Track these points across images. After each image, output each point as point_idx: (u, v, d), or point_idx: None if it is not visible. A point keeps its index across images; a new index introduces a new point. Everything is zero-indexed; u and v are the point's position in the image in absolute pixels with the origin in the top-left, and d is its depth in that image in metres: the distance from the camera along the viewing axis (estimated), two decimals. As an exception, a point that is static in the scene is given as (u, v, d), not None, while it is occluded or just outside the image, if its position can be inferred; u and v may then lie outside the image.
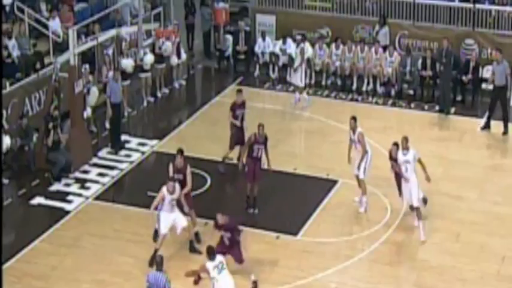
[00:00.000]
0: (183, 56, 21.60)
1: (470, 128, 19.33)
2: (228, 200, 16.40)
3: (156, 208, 14.06)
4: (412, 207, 15.13)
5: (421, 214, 14.99)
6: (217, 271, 12.48)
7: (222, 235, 13.79)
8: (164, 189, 14.05)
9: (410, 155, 14.94)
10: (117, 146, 18.00)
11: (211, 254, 12.59)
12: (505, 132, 18.91)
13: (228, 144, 16.86)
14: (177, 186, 14.11)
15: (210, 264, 12.51)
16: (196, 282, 13.51)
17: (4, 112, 17.21)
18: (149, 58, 20.30)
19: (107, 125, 19.04)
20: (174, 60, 21.19)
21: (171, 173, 14.47)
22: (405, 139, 15.05)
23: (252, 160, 15.63)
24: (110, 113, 18.38)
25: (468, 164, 17.49)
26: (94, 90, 18.61)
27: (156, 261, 12.09)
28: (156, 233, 14.39)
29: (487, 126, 19.17)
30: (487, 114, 19.25)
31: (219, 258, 12.65)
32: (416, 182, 14.93)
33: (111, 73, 18.48)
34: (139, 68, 20.25)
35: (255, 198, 15.79)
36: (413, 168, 14.94)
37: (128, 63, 19.69)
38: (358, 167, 15.58)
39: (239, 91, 17.22)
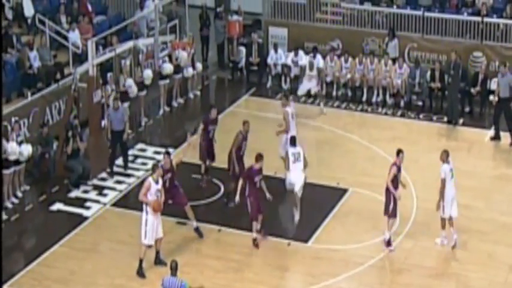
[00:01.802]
0: (198, 66, 21.77)
1: (478, 139, 19.38)
2: (241, 207, 16.49)
3: (144, 197, 13.93)
4: (450, 218, 14.88)
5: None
6: (293, 159, 15.01)
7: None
8: (150, 179, 14.06)
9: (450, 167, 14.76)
10: (111, 170, 17.36)
11: (292, 142, 15.49)
12: None
13: (200, 156, 16.76)
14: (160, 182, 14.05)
15: (290, 149, 14.95)
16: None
17: (26, 121, 17.43)
18: (168, 67, 20.44)
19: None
20: (190, 71, 21.36)
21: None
22: (446, 152, 14.90)
23: (240, 158, 15.86)
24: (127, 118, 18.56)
25: (476, 174, 17.53)
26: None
27: (171, 267, 12.23)
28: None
29: (496, 137, 19.22)
30: (493, 126, 19.32)
31: (298, 148, 15.28)
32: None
33: (111, 101, 17.83)
34: (158, 75, 20.38)
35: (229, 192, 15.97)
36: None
37: (147, 75, 19.90)
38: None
39: (213, 107, 16.96)
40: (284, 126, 16.96)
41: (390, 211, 14.81)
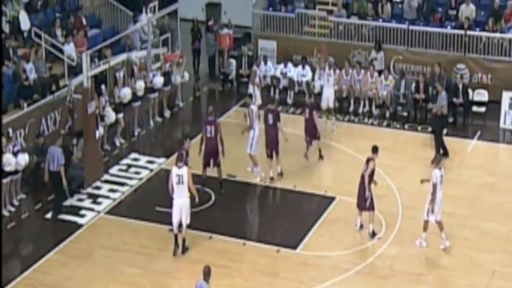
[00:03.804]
0: (186, 76, 21.66)
1: (461, 148, 19.50)
2: (233, 215, 16.58)
3: (172, 187, 14.50)
4: (439, 222, 15.08)
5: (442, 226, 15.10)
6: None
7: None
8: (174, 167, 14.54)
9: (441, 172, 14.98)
10: (57, 211, 16.32)
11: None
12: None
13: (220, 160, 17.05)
14: (185, 168, 14.48)
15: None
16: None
17: (22, 131, 17.46)
18: (158, 81, 20.52)
19: (117, 143, 19.33)
20: (178, 79, 21.36)
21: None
22: (437, 157, 15.24)
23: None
24: (121, 129, 18.68)
25: (459, 183, 17.64)
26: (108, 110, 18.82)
27: (203, 272, 12.18)
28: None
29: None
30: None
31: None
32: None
33: (59, 142, 16.46)
34: (149, 89, 20.47)
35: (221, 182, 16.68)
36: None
37: (140, 86, 19.98)
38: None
39: (186, 138, 16.69)
40: (248, 123, 17.16)
41: (368, 204, 15.19)
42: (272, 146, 17.38)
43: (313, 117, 18.27)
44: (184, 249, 14.92)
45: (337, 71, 21.50)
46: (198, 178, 16.44)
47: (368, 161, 15.32)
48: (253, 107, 17.34)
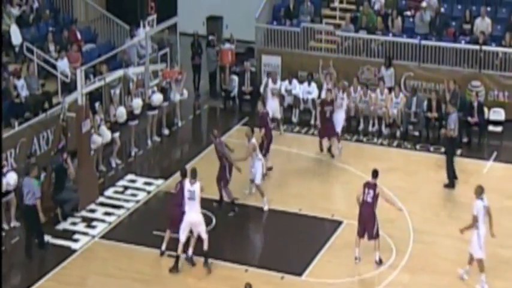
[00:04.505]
0: (185, 93, 21.92)
1: (476, 170, 19.62)
2: (235, 240, 16.79)
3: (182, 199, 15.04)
4: (473, 258, 14.98)
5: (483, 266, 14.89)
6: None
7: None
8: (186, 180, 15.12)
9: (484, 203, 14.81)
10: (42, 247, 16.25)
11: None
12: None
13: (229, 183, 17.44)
14: (197, 184, 15.02)
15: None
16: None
17: (12, 151, 17.66)
18: (157, 98, 20.79)
19: (113, 164, 19.59)
20: (177, 97, 21.64)
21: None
22: (480, 187, 14.93)
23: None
24: (117, 148, 18.92)
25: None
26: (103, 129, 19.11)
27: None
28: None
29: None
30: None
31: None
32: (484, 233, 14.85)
33: (34, 173, 16.10)
34: (147, 106, 20.71)
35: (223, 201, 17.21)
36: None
37: (137, 104, 20.23)
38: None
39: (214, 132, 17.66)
40: (244, 157, 17.48)
41: (375, 232, 15.39)
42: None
43: (332, 115, 19.61)
44: (207, 265, 15.27)
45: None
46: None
47: (370, 186, 15.35)
48: (254, 141, 17.54)
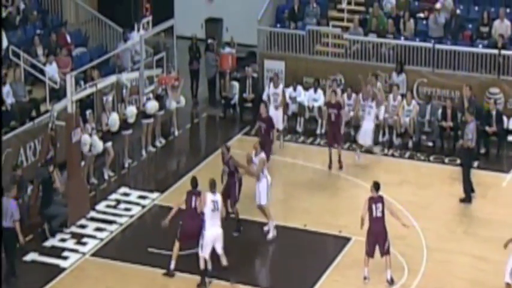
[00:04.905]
0: (182, 100, 21.94)
1: (494, 183, 19.62)
2: (238, 258, 16.73)
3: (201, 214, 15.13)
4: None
5: None
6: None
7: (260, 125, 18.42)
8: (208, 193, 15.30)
9: None
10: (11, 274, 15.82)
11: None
12: None
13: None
14: (218, 194, 15.39)
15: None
16: None
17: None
18: (152, 106, 20.77)
19: (105, 176, 19.56)
20: (173, 105, 21.66)
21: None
22: None
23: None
24: (110, 159, 18.90)
25: (492, 223, 17.71)
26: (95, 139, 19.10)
27: None
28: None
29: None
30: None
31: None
32: None
33: (12, 192, 15.75)
34: (142, 114, 20.70)
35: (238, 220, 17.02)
36: None
37: (131, 112, 20.22)
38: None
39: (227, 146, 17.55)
40: (256, 174, 17.02)
41: (387, 249, 15.35)
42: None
43: (340, 119, 19.61)
44: (231, 280, 15.33)
45: (353, 95, 21.77)
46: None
47: (376, 200, 15.27)
48: (263, 155, 17.37)
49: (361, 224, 15.33)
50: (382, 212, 15.32)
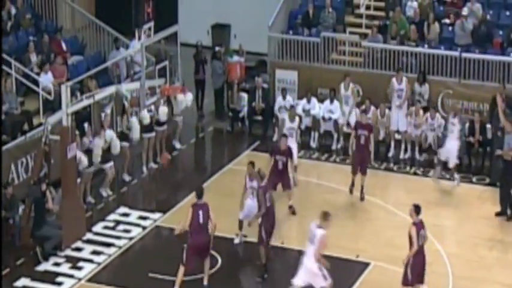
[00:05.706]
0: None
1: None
2: (244, 282, 16.86)
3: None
4: None
5: None
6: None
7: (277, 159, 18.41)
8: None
9: None
10: None
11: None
12: None
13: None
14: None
15: None
16: None
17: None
18: (164, 110, 20.94)
19: (103, 194, 19.73)
20: (178, 117, 21.85)
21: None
22: None
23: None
24: (109, 179, 19.02)
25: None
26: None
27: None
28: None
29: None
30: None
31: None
32: None
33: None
34: (145, 128, 20.79)
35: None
36: None
37: (133, 125, 20.45)
38: None
39: (251, 163, 17.51)
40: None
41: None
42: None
43: (370, 142, 19.47)
44: None
45: (372, 108, 21.85)
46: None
47: (420, 226, 15.08)
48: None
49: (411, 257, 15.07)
50: (424, 239, 15.21)
